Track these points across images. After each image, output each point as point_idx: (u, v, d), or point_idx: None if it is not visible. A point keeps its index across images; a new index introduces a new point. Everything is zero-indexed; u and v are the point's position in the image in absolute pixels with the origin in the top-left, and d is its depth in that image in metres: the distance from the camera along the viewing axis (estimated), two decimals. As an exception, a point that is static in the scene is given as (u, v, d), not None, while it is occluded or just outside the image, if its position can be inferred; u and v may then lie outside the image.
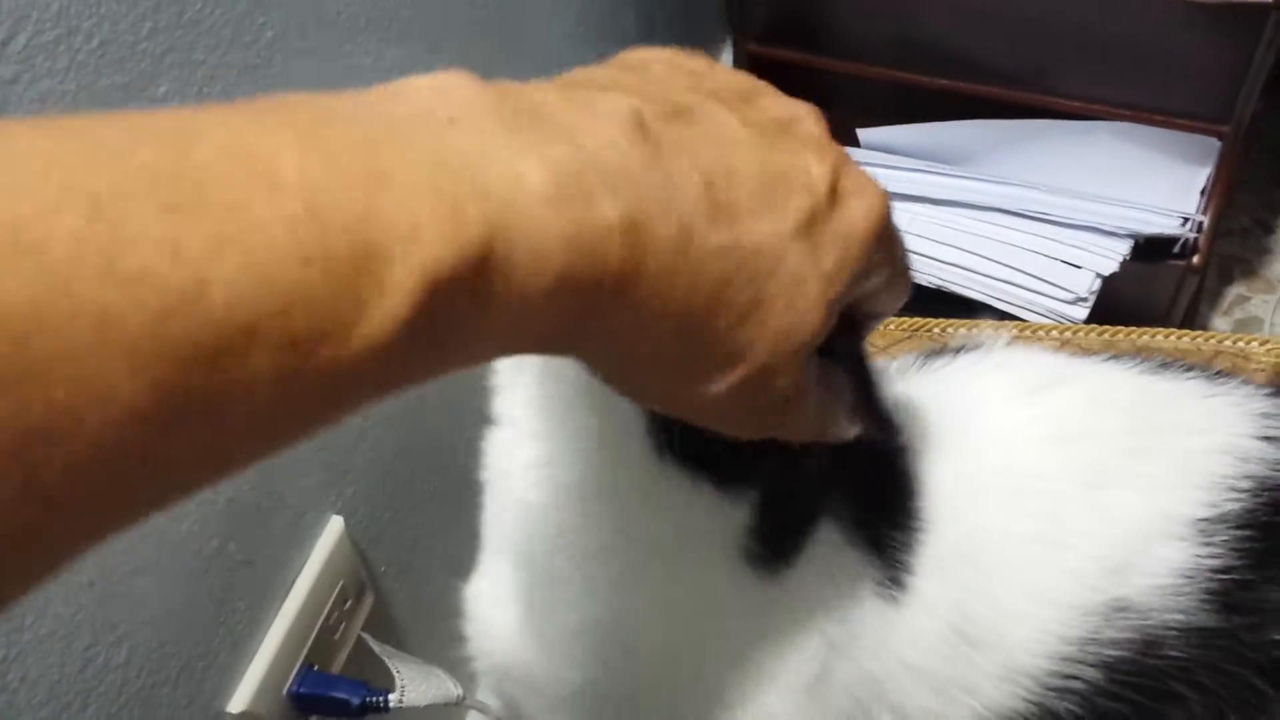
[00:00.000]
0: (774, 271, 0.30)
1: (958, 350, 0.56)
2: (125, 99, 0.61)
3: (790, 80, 1.35)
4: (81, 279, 0.20)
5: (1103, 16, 1.13)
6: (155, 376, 0.21)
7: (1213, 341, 0.97)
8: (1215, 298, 1.44)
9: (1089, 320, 1.18)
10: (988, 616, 0.49)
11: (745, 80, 0.35)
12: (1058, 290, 1.18)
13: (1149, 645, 0.48)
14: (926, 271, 1.23)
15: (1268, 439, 0.50)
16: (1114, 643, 0.48)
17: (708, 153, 0.30)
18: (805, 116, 0.34)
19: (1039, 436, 0.52)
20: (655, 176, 0.27)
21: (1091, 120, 1.23)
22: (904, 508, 0.49)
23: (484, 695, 0.66)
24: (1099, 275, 1.17)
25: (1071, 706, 0.48)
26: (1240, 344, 0.96)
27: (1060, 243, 1.20)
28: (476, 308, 0.25)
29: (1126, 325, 1.00)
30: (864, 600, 0.48)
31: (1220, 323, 1.43)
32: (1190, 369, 0.55)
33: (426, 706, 0.78)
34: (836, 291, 0.32)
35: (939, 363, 0.56)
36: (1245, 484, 0.49)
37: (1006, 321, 0.99)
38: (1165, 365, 0.55)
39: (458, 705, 0.81)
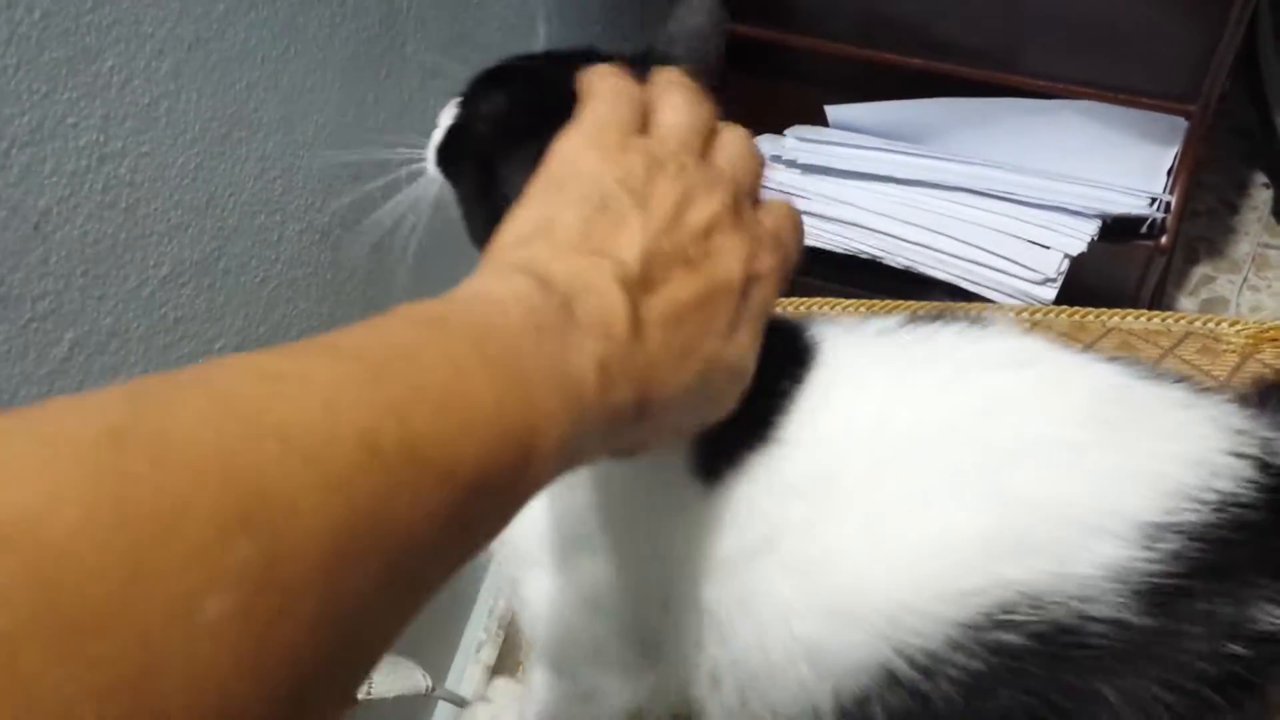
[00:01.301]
0: (723, 359, 0.45)
1: (950, 320, 0.55)
2: (70, 74, 0.58)
3: (758, 58, 1.33)
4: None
5: (1071, -6, 1.12)
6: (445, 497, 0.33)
7: (1183, 322, 0.96)
8: (1181, 278, 1.45)
9: (1058, 300, 1.17)
10: (809, 552, 0.49)
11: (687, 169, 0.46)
12: (1026, 271, 1.18)
13: (1064, 642, 0.46)
14: (895, 252, 1.22)
15: (1240, 455, 0.49)
16: (1012, 628, 0.46)
17: (668, 309, 0.43)
18: (723, 216, 0.45)
19: (959, 407, 0.51)
20: (646, 355, 0.42)
21: (1059, 99, 1.22)
22: (757, 416, 0.50)
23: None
24: (1067, 256, 1.17)
25: (949, 693, 0.47)
26: (1210, 325, 0.95)
27: (1028, 223, 1.19)
28: (573, 456, 0.39)
29: (1095, 305, 0.99)
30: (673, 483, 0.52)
31: (1186, 303, 1.43)
32: (1179, 380, 0.53)
33: (396, 698, 0.76)
34: (764, 324, 0.47)
35: (918, 327, 0.55)
36: (1209, 496, 0.47)
37: (975, 304, 0.98)
38: (1155, 373, 0.54)
39: (427, 696, 0.79)
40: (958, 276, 1.20)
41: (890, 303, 0.98)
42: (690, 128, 0.47)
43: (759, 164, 0.49)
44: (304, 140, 0.77)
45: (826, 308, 0.98)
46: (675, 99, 0.47)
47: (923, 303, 0.97)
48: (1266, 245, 1.48)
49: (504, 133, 0.53)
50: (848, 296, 0.99)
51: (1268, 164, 1.54)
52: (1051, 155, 1.22)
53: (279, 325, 0.77)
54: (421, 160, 0.57)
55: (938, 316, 0.55)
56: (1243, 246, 1.48)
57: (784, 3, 1.23)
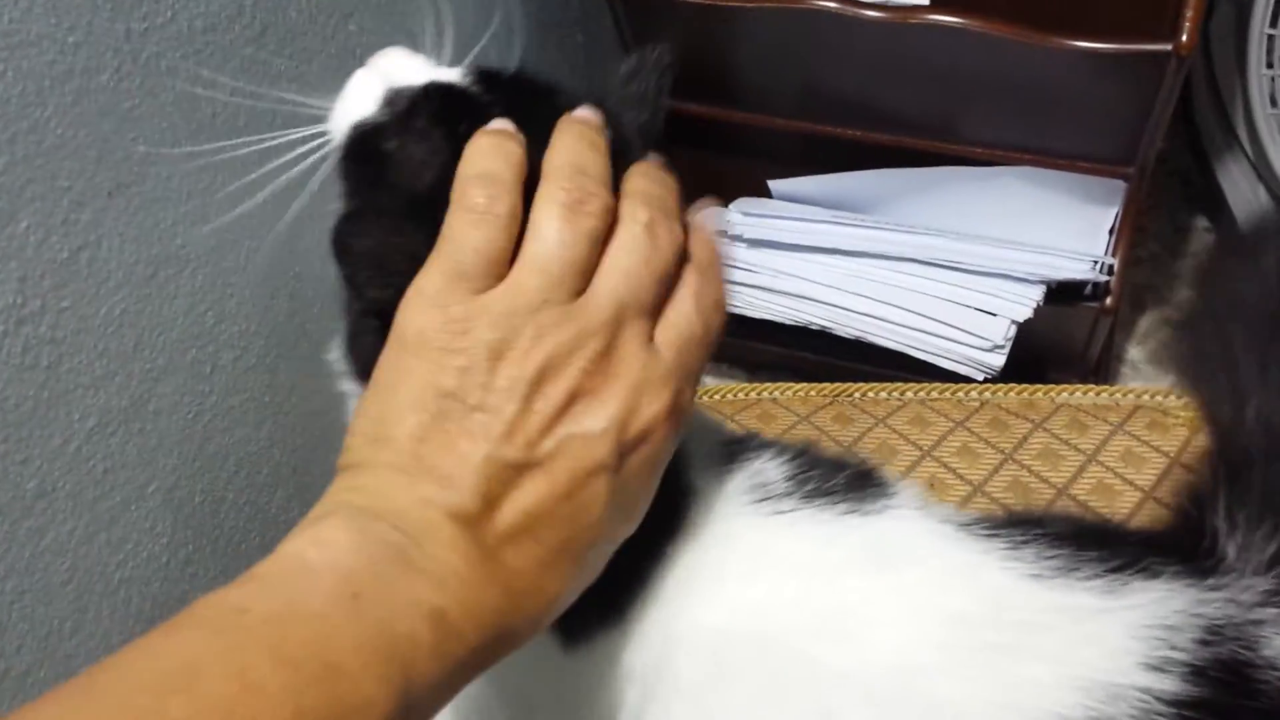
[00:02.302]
0: (601, 540, 0.42)
1: (847, 485, 0.51)
2: (-19, 240, 0.57)
3: (699, 133, 1.32)
4: None
5: (1007, 66, 1.13)
6: None
7: (1130, 396, 0.97)
8: (1129, 326, 1.45)
9: (1007, 365, 1.18)
10: None
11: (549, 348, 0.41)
12: (974, 338, 1.18)
13: None
14: (844, 323, 1.22)
15: (1160, 668, 0.43)
16: None
17: (522, 524, 0.40)
18: (588, 378, 0.40)
19: (805, 616, 0.46)
20: (501, 584, 0.39)
21: (999, 166, 1.23)
22: (614, 594, 0.47)
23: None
24: (1014, 322, 1.17)
25: None
26: (1159, 398, 0.96)
27: (974, 291, 1.19)
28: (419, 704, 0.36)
29: (1044, 367, 1.00)
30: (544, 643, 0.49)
31: (1135, 352, 1.44)
32: (1111, 569, 0.46)
33: None
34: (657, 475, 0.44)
35: (808, 493, 0.50)
36: None
37: (926, 384, 0.97)
38: (1071, 568, 0.46)
39: None
40: (907, 345, 1.21)
41: (840, 386, 0.98)
42: (562, 258, 0.41)
43: (674, 238, 0.43)
44: (235, 267, 0.76)
45: (770, 393, 0.97)
46: (549, 202, 0.41)
47: (867, 385, 0.97)
48: (1211, 291, 1.49)
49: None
50: (798, 369, 0.98)
51: (1207, 207, 1.55)
52: (994, 220, 1.22)
53: (215, 458, 0.75)
54: (324, 131, 0.50)
55: (842, 474, 0.51)
56: (1187, 293, 1.49)
57: (721, 79, 1.23)
